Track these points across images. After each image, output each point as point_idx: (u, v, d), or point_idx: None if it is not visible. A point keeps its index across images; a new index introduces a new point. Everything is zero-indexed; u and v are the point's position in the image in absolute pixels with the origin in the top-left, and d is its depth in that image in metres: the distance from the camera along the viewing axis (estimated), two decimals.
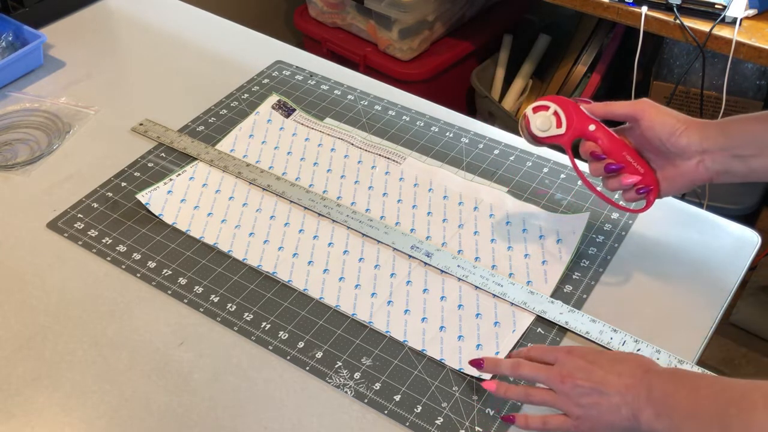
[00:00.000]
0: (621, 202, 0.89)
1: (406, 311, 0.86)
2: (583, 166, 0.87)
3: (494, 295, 0.87)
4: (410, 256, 0.92)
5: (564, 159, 1.04)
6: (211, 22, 1.36)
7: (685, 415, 0.61)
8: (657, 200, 0.83)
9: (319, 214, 0.98)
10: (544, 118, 0.81)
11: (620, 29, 1.89)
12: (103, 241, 0.95)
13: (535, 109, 0.82)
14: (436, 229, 0.96)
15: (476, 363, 0.76)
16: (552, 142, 0.83)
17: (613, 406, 0.66)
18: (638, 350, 0.81)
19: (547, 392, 0.71)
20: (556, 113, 0.81)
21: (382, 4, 1.89)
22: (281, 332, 0.85)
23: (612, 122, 0.83)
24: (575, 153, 0.85)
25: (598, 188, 0.87)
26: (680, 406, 0.62)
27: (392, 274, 0.90)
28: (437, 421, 0.76)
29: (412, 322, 0.85)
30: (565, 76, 1.97)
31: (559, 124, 0.81)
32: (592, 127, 0.81)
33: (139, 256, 0.93)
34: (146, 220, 0.98)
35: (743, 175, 0.78)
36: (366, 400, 0.78)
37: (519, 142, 1.08)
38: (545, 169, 1.03)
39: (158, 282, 0.90)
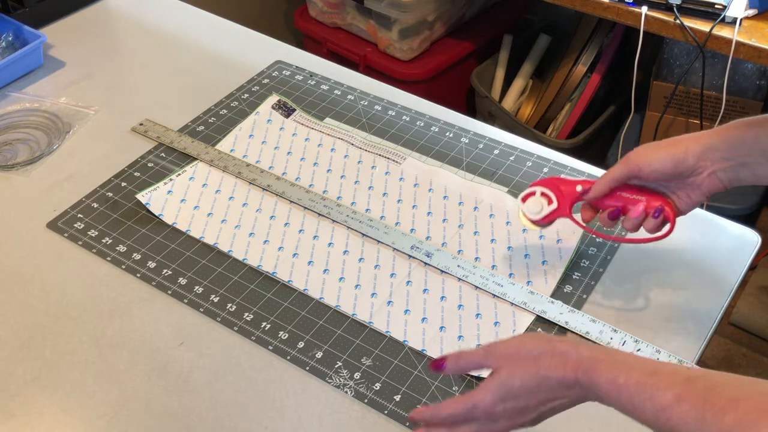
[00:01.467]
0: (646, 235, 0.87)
1: (406, 311, 0.86)
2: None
3: (494, 295, 0.87)
4: (410, 256, 0.92)
5: (564, 159, 1.04)
6: (211, 22, 1.36)
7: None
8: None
9: (319, 214, 0.98)
10: (534, 202, 0.84)
11: (620, 29, 1.89)
12: (103, 241, 0.95)
13: (524, 198, 0.85)
14: (436, 229, 0.96)
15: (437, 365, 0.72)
16: (553, 218, 0.84)
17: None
18: (638, 350, 0.81)
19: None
20: (543, 194, 0.84)
21: (382, 4, 1.89)
22: (281, 332, 0.85)
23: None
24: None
25: (626, 236, 0.85)
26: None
27: (392, 274, 0.90)
28: None
29: (412, 322, 0.85)
30: (565, 76, 1.97)
31: (550, 202, 0.83)
32: (579, 188, 0.83)
33: (139, 256, 0.93)
34: (146, 220, 0.98)
35: (752, 181, 0.77)
36: (366, 400, 0.78)
37: (519, 142, 1.08)
38: (545, 169, 1.03)
39: (158, 282, 0.90)
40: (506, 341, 0.66)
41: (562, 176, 0.92)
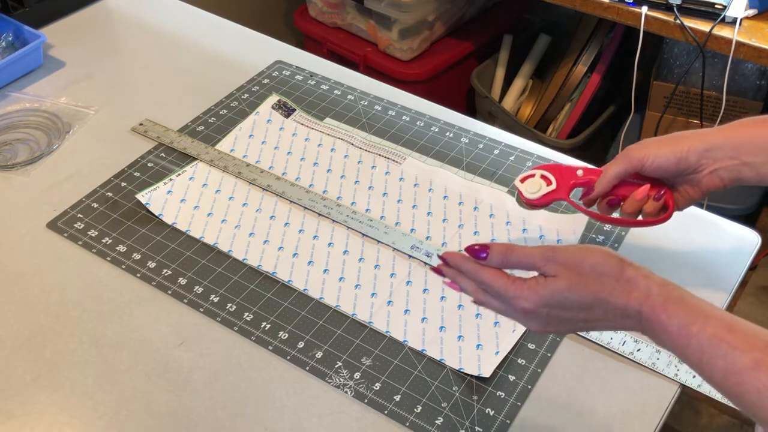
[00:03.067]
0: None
1: (406, 311, 0.86)
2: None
3: None
4: (410, 256, 0.92)
5: (564, 159, 1.04)
6: (211, 22, 1.36)
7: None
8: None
9: (319, 214, 0.98)
10: (533, 182, 0.83)
11: (620, 29, 1.89)
12: (103, 241, 0.95)
13: (522, 179, 0.84)
14: (436, 229, 0.96)
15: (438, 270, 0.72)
16: (549, 200, 0.83)
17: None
18: (638, 350, 0.81)
19: (500, 304, 0.67)
20: (543, 176, 0.83)
21: (382, 4, 1.89)
22: (281, 332, 0.85)
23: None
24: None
25: (615, 215, 0.84)
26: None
27: (392, 274, 0.90)
28: (437, 421, 0.76)
29: (412, 322, 0.85)
30: (565, 76, 1.97)
31: (549, 183, 0.83)
32: (579, 172, 0.82)
33: (139, 256, 0.93)
34: (146, 220, 0.98)
35: (755, 181, 0.76)
36: (366, 400, 0.78)
37: (519, 142, 1.08)
38: None
39: (158, 282, 0.90)
40: (570, 249, 0.64)
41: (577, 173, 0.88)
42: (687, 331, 0.58)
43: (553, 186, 0.82)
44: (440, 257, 0.70)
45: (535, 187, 0.83)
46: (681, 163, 0.76)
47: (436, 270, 0.71)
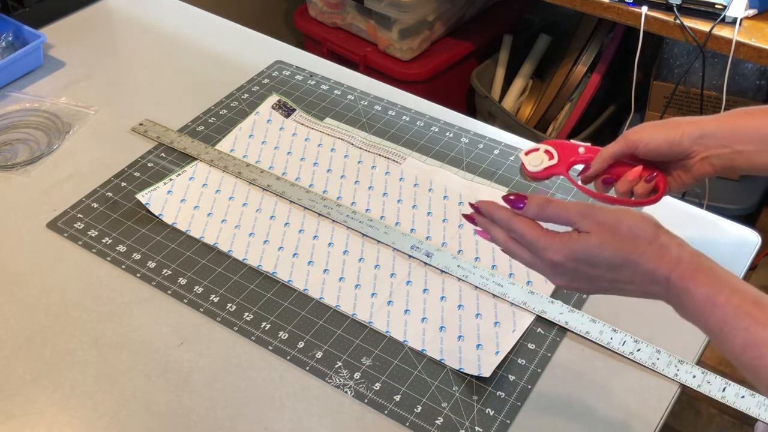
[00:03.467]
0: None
1: (406, 311, 0.86)
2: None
3: (494, 295, 0.87)
4: (410, 256, 0.92)
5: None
6: (211, 22, 1.36)
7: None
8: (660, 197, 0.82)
9: (319, 214, 0.98)
10: (536, 156, 0.85)
11: (620, 29, 1.89)
12: (103, 241, 0.95)
13: (527, 153, 0.86)
14: (436, 229, 0.96)
15: (470, 218, 0.74)
16: (549, 174, 0.85)
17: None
18: (638, 350, 0.81)
19: (531, 256, 0.68)
20: (546, 151, 0.85)
21: (382, 4, 1.89)
22: (281, 332, 0.85)
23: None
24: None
25: (609, 194, 0.86)
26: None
27: (392, 274, 0.90)
28: (437, 421, 0.76)
29: (412, 322, 0.85)
30: (565, 76, 1.97)
31: (551, 157, 0.85)
32: (581, 150, 0.84)
33: (139, 256, 0.93)
34: (146, 220, 0.98)
35: (748, 169, 0.77)
36: (366, 400, 0.78)
37: (519, 142, 1.08)
38: None
39: (158, 282, 0.90)
40: (608, 210, 0.65)
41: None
42: (713, 300, 0.58)
43: (555, 161, 0.84)
44: (472, 205, 0.72)
45: (537, 161, 0.85)
46: (673, 147, 0.78)
47: (468, 217, 0.73)
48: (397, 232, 0.94)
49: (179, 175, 1.03)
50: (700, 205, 0.92)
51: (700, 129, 0.77)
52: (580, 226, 0.65)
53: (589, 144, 0.84)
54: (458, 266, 0.90)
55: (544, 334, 0.84)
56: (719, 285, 0.59)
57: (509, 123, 1.93)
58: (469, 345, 0.83)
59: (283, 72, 1.22)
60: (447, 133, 1.09)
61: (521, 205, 0.68)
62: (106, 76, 1.23)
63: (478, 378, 0.80)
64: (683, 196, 1.62)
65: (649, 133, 0.78)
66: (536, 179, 0.86)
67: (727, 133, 0.76)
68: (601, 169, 0.81)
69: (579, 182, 0.84)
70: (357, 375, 0.81)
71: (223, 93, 1.18)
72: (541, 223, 0.68)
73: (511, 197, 0.69)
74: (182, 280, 0.90)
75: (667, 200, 0.94)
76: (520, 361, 0.81)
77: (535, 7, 2.17)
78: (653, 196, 0.81)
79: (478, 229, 0.73)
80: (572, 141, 0.85)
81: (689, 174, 0.79)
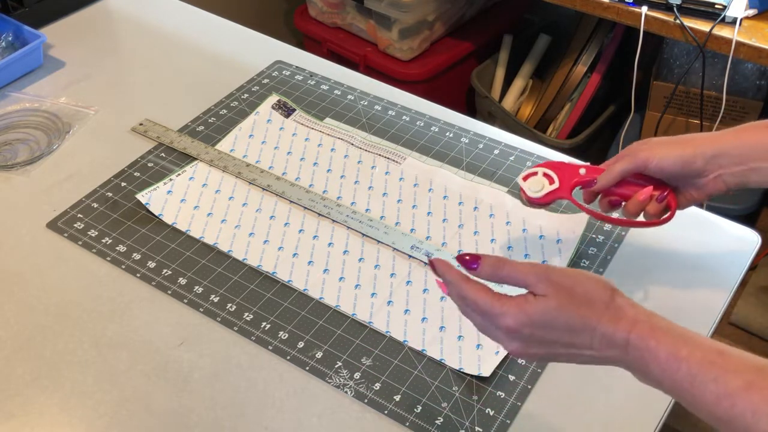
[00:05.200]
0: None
1: (406, 311, 0.86)
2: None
3: None
4: (410, 256, 0.92)
5: (564, 159, 1.04)
6: (211, 22, 1.36)
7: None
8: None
9: (319, 214, 0.98)
10: (535, 180, 0.83)
11: (620, 29, 1.89)
12: (103, 241, 0.95)
13: (525, 177, 0.84)
14: (436, 229, 0.96)
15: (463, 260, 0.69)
16: (552, 199, 0.83)
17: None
18: None
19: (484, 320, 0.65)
20: (545, 174, 0.83)
21: (382, 4, 1.89)
22: (281, 332, 0.85)
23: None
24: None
25: (614, 216, 0.85)
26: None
27: (392, 274, 0.90)
28: (437, 421, 0.76)
29: (412, 322, 0.85)
30: (565, 76, 1.97)
31: (551, 182, 0.83)
32: (582, 171, 0.82)
33: (139, 256, 0.93)
34: (146, 220, 0.98)
35: (760, 184, 0.76)
36: (366, 400, 0.78)
37: (519, 142, 1.08)
38: None
39: (158, 282, 0.90)
40: (564, 271, 0.63)
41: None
42: (676, 355, 0.56)
43: (556, 185, 0.83)
44: (429, 261, 0.69)
45: (537, 186, 0.83)
46: (686, 167, 0.76)
47: (431, 264, 0.70)
48: (397, 232, 0.94)
49: (179, 175, 1.03)
50: (700, 205, 0.92)
51: (714, 148, 0.75)
52: (536, 289, 0.62)
53: (588, 164, 0.83)
54: (458, 266, 0.90)
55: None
56: (680, 340, 0.57)
57: (509, 123, 1.93)
58: (469, 345, 0.83)
59: (283, 72, 1.22)
60: (447, 133, 1.09)
61: (475, 266, 0.65)
62: (106, 76, 1.23)
63: (478, 378, 0.80)
64: None
65: (661, 152, 0.76)
66: (538, 205, 0.84)
67: (741, 151, 0.75)
68: (609, 185, 0.80)
69: (583, 204, 0.83)
70: (357, 375, 0.81)
71: (223, 93, 1.18)
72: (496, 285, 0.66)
73: (466, 257, 0.66)
74: (182, 280, 0.90)
75: None
76: (520, 361, 0.81)
77: (535, 7, 2.17)
78: (665, 216, 0.79)
79: (439, 280, 0.70)
80: (570, 161, 0.83)
81: (701, 192, 0.78)
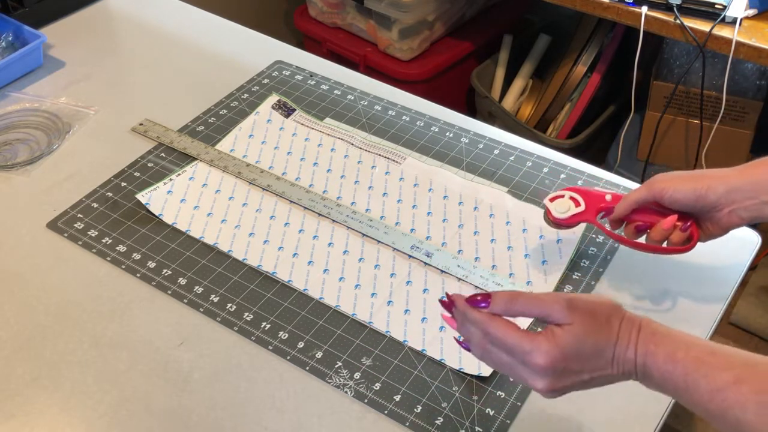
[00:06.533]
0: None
1: (406, 311, 0.86)
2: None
3: None
4: (410, 256, 0.92)
5: (564, 159, 1.04)
6: (211, 22, 1.36)
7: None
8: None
9: (319, 214, 0.98)
10: (562, 202, 0.87)
11: (620, 29, 1.89)
12: (103, 241, 0.95)
13: (552, 199, 0.87)
14: (436, 229, 0.96)
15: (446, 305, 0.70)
16: (577, 221, 0.86)
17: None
18: None
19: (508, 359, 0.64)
20: (572, 198, 0.87)
21: (382, 4, 1.89)
22: (281, 332, 0.85)
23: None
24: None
25: (640, 240, 0.85)
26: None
27: (392, 274, 0.90)
28: (437, 421, 0.76)
29: (412, 322, 0.85)
30: (565, 76, 1.96)
31: (577, 204, 0.86)
32: (608, 197, 0.85)
33: (139, 256, 0.93)
34: (146, 220, 0.98)
35: None
36: (366, 400, 0.78)
37: (519, 142, 1.08)
38: (545, 169, 1.03)
39: (158, 282, 0.90)
40: (582, 296, 0.64)
41: (573, 185, 0.95)
42: (673, 357, 0.60)
43: (582, 208, 0.86)
44: (448, 297, 0.68)
45: (563, 207, 0.86)
46: (699, 200, 0.78)
47: (444, 304, 0.69)
48: (397, 232, 0.94)
49: (179, 175, 1.03)
50: None
51: (725, 184, 0.78)
52: (561, 319, 0.62)
53: (614, 191, 0.86)
54: (458, 266, 0.90)
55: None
56: (676, 343, 0.61)
57: (509, 123, 1.93)
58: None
59: (283, 72, 1.22)
60: (447, 133, 1.09)
61: (484, 305, 0.65)
62: (106, 76, 1.23)
63: (478, 378, 0.80)
64: None
65: (676, 184, 0.79)
66: (561, 226, 0.87)
67: (753, 186, 0.77)
68: (623, 213, 0.83)
69: (608, 228, 0.85)
70: (357, 375, 0.81)
71: (223, 93, 1.18)
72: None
73: (478, 298, 0.66)
74: (182, 280, 0.90)
75: None
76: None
77: (535, 7, 2.17)
78: (688, 244, 0.82)
79: (447, 315, 0.69)
80: (597, 189, 0.86)
81: (717, 226, 0.80)
